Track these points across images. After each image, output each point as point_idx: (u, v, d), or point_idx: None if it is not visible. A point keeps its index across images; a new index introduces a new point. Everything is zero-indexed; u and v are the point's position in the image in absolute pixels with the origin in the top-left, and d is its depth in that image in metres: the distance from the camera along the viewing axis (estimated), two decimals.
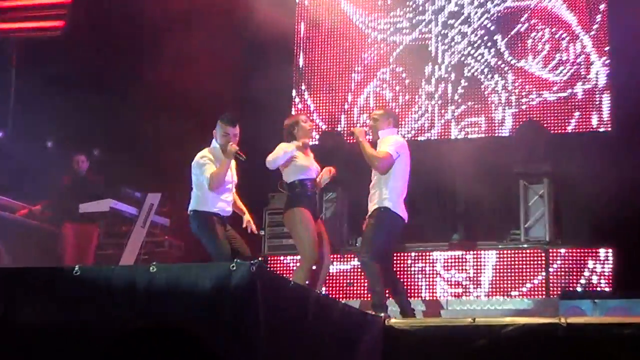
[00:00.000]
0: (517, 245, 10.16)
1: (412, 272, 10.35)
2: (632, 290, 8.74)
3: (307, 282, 6.96)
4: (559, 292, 9.53)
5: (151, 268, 4.61)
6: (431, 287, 10.30)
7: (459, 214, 11.07)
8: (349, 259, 10.45)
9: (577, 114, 10.80)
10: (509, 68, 11.14)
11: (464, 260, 10.28)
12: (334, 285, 10.44)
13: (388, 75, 11.53)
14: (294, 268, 8.45)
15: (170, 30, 11.01)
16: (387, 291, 7.33)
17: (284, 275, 9.59)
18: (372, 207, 7.34)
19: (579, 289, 9.67)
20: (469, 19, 11.40)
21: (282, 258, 10.68)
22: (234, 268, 4.42)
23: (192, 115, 10.53)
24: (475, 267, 10.23)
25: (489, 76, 11.18)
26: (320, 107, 11.69)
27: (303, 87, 11.77)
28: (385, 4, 11.72)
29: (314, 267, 7.19)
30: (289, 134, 7.41)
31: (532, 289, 9.95)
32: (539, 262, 9.98)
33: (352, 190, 10.10)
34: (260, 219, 10.02)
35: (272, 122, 8.48)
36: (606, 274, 9.84)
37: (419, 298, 10.08)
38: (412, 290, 10.17)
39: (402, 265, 10.27)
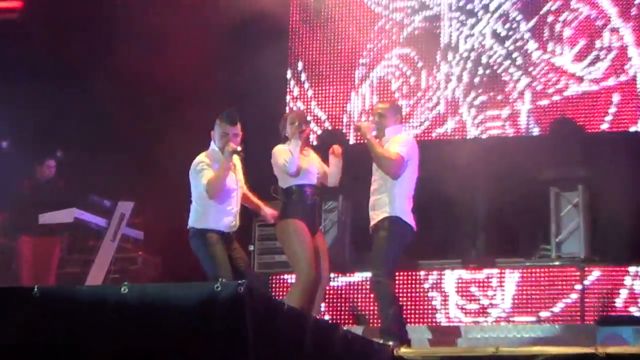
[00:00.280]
0: (548, 262, 10.11)
1: (422, 294, 10.32)
2: None
3: (302, 305, 6.92)
4: (595, 317, 9.49)
5: (122, 289, 4.60)
6: (445, 311, 10.29)
7: (477, 226, 11.03)
8: (351, 277, 10.41)
9: (612, 109, 10.78)
10: (537, 59, 11.10)
11: (484, 280, 10.25)
12: (334, 307, 10.40)
13: (395, 61, 11.48)
14: (289, 289, 8.42)
15: (143, 9, 10.94)
16: (402, 316, 7.29)
17: (276, 296, 9.54)
18: (379, 215, 7.29)
19: (618, 314, 9.62)
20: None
21: (274, 277, 10.63)
22: (219, 288, 4.40)
23: (169, 108, 10.49)
24: (497, 289, 10.23)
25: (511, 67, 11.15)
26: (320, 96, 11.60)
27: (300, 68, 11.68)
28: None
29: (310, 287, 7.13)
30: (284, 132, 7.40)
31: (565, 313, 9.96)
32: (573, 282, 9.97)
33: (355, 198, 10.04)
34: (248, 232, 9.94)
35: (261, 115, 8.43)
36: None
37: (432, 324, 10.05)
38: (423, 315, 10.16)
39: (410, 285, 10.25)
